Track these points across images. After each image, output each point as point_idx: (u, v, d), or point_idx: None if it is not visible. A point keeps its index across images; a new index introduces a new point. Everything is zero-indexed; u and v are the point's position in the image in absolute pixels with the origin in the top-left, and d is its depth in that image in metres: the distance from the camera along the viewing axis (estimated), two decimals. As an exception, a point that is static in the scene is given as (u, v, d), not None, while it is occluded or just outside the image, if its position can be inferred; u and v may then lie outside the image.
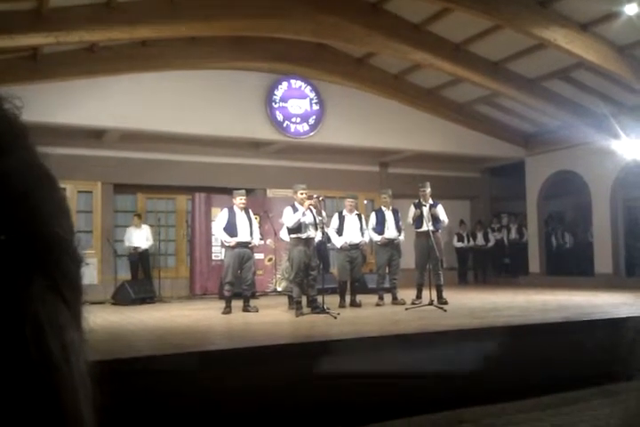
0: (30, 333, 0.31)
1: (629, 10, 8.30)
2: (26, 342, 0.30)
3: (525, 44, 9.72)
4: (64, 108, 9.54)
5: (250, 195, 9.73)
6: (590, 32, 9.12)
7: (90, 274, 10.51)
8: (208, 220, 10.88)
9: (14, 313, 0.30)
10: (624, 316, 5.81)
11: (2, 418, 0.29)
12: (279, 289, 10.64)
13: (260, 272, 10.63)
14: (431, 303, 7.27)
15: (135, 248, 10.56)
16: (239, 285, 7.78)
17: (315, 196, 7.47)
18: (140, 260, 10.66)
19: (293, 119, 11.71)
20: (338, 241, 8.30)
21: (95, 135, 10.81)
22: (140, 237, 10.61)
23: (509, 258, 14.49)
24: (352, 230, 8.33)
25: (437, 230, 8.22)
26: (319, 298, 7.06)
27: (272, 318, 6.86)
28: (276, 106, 11.57)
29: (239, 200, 7.87)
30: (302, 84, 11.84)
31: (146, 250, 10.68)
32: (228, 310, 7.39)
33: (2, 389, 0.29)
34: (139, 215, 10.92)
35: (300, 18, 9.12)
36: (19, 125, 0.36)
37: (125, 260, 11.02)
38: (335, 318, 6.37)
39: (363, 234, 8.40)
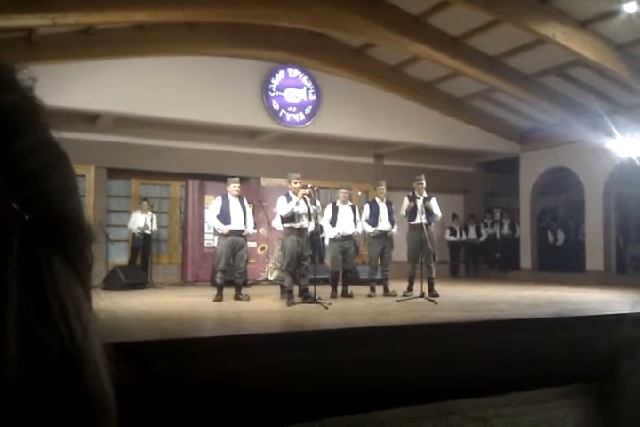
0: (55, 308, 0.31)
1: (629, 8, 8.29)
2: (52, 317, 0.31)
3: (524, 39, 9.70)
4: (58, 91, 9.43)
5: (244, 183, 9.71)
6: (589, 29, 9.11)
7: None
8: (201, 207, 10.86)
9: (38, 288, 0.31)
10: (613, 313, 5.85)
11: (28, 391, 0.29)
12: (271, 278, 10.67)
13: (252, 261, 10.63)
14: (422, 296, 7.30)
15: (141, 232, 10.55)
16: (231, 273, 7.78)
17: (309, 185, 7.46)
18: (144, 244, 10.65)
19: (289, 108, 11.67)
20: (331, 232, 8.31)
21: (89, 119, 10.73)
22: (146, 221, 10.61)
23: (501, 253, 14.56)
24: (345, 221, 8.33)
25: (430, 223, 8.23)
26: (311, 288, 7.07)
27: (263, 307, 6.86)
28: (273, 95, 11.52)
29: (233, 187, 7.85)
30: (299, 73, 11.79)
31: (150, 235, 10.68)
32: (219, 298, 7.39)
33: (29, 361, 0.29)
34: (147, 200, 10.89)
35: (299, 7, 9.07)
36: (36, 103, 0.36)
37: (118, 245, 11.01)
38: (326, 308, 6.37)
39: (356, 225, 8.40)
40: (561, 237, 14.15)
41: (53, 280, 0.32)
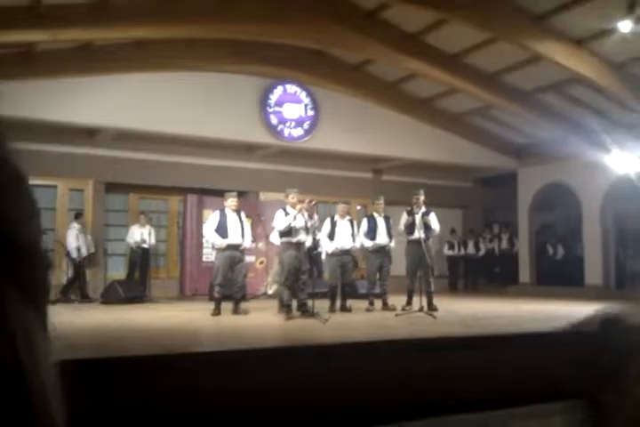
0: (3, 343, 0.30)
1: (623, 27, 8.34)
2: None
3: (521, 56, 9.76)
4: (58, 106, 9.50)
5: (242, 198, 9.71)
6: (586, 48, 9.16)
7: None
8: (200, 221, 10.85)
9: None
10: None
11: None
12: (270, 292, 10.62)
13: (251, 275, 10.57)
14: (421, 310, 7.27)
15: (139, 246, 10.50)
16: (230, 287, 7.74)
17: (307, 200, 7.47)
18: (142, 258, 10.60)
19: (288, 123, 11.72)
20: (329, 246, 8.30)
21: (88, 134, 10.76)
22: (144, 235, 10.57)
23: (499, 267, 14.54)
24: (343, 236, 8.32)
25: (429, 238, 8.23)
26: (309, 302, 7.04)
27: (261, 321, 6.83)
28: (271, 110, 11.57)
29: (230, 202, 7.84)
30: (298, 89, 11.86)
31: (148, 249, 10.64)
32: (217, 312, 7.36)
33: None
34: (144, 213, 10.86)
35: (298, 24, 9.15)
36: None
37: (116, 259, 10.99)
38: (325, 322, 6.35)
39: (354, 239, 8.39)
40: (560, 251, 14.14)
41: (1, 309, 0.30)
